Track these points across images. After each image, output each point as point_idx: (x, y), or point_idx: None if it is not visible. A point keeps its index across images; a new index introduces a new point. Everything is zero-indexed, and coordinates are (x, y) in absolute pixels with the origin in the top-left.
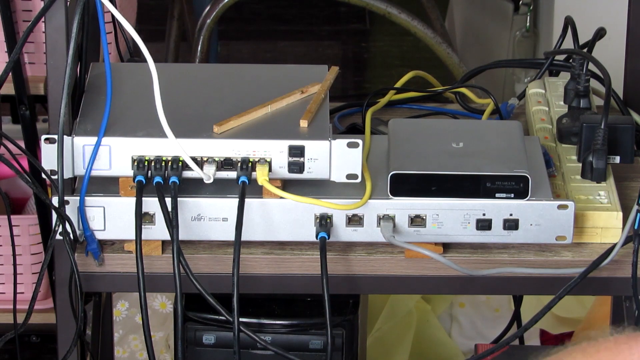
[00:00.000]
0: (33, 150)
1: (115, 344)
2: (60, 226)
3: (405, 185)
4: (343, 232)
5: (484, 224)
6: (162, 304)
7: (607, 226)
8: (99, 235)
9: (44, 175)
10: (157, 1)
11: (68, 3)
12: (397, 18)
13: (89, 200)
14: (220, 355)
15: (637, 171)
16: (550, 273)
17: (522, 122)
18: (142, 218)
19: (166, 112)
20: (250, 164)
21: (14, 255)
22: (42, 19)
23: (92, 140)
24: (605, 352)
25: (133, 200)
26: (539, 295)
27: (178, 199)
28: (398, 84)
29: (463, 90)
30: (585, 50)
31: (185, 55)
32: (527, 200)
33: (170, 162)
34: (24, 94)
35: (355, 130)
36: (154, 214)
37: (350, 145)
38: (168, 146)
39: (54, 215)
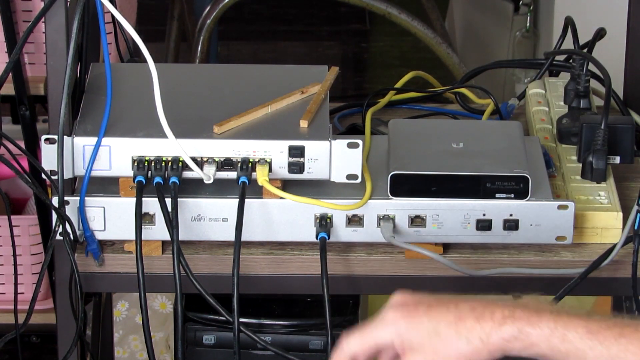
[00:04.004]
0: (33, 150)
1: (115, 344)
2: (60, 226)
3: (405, 186)
4: (343, 233)
5: (484, 224)
6: (162, 304)
7: (607, 226)
8: (99, 236)
9: (44, 176)
10: (157, 1)
11: (68, 3)
12: (397, 18)
13: (89, 200)
14: (220, 355)
15: (637, 171)
16: (550, 273)
17: (522, 122)
18: (142, 218)
19: (166, 112)
20: (250, 164)
21: (14, 255)
22: (42, 19)
23: (92, 140)
24: None
25: (133, 200)
26: (539, 295)
27: (178, 199)
28: (398, 84)
29: (463, 90)
30: (585, 50)
31: (185, 55)
32: (527, 200)
33: (170, 163)
34: (24, 94)
35: (355, 130)
36: (154, 214)
37: (350, 145)
38: (168, 146)
39: (54, 216)
